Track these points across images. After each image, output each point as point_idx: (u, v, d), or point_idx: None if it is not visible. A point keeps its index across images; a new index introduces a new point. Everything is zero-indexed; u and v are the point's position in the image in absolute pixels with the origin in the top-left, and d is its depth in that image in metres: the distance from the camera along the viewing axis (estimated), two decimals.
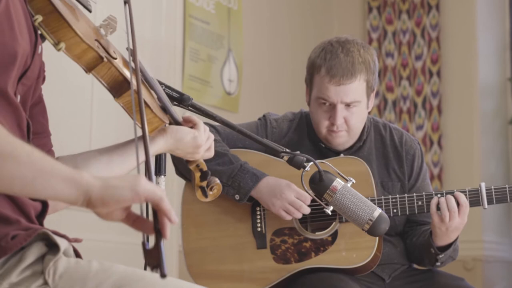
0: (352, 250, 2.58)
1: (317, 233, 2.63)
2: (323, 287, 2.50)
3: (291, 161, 2.03)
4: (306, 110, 2.81)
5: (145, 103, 1.66)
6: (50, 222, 1.58)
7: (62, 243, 1.46)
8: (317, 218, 2.64)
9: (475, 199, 2.55)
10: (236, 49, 4.97)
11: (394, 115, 5.65)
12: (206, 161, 2.71)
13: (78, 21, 1.55)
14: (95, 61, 1.58)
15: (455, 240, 2.59)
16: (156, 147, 1.79)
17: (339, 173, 2.05)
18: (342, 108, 2.60)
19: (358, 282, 2.57)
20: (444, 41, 5.59)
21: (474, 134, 5.41)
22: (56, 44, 1.52)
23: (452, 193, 2.54)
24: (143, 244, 1.34)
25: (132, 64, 1.64)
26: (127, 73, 1.65)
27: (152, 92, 1.78)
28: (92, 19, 1.69)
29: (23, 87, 1.49)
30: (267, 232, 2.66)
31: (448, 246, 2.58)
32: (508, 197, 2.54)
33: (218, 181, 1.92)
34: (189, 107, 1.93)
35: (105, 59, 1.58)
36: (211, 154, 1.91)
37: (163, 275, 1.28)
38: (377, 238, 2.55)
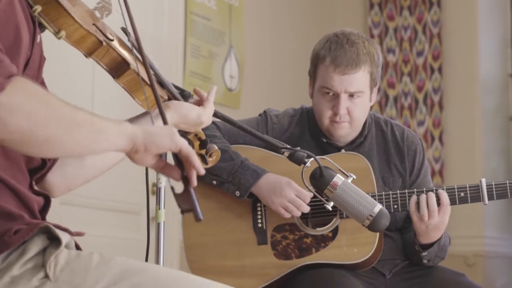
0: (353, 246, 2.58)
1: (317, 229, 2.64)
2: (324, 282, 2.50)
3: (291, 157, 2.03)
4: (307, 106, 2.82)
5: (144, 80, 1.69)
6: (51, 217, 1.58)
7: (64, 237, 1.47)
8: (317, 214, 2.64)
9: (475, 195, 2.56)
10: (237, 45, 4.97)
11: (396, 111, 5.66)
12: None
13: (74, 6, 1.56)
14: (94, 46, 1.61)
15: (439, 240, 2.59)
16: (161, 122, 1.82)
17: (339, 169, 2.05)
18: (346, 98, 2.61)
19: (359, 277, 2.57)
20: (446, 37, 5.59)
21: (475, 130, 5.42)
22: (56, 33, 1.53)
23: (452, 188, 2.55)
24: (172, 188, 1.47)
25: (130, 44, 1.68)
26: (125, 54, 1.68)
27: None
28: (84, 1, 1.69)
29: (26, 78, 1.50)
30: (268, 228, 2.66)
31: (431, 244, 2.59)
32: (509, 192, 2.54)
33: (216, 147, 1.94)
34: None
35: (104, 43, 1.61)
36: (208, 122, 1.94)
37: (198, 219, 1.43)
38: (378, 233, 2.55)
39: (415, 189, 2.59)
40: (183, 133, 1.92)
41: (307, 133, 2.74)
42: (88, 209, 3.96)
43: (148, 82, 1.68)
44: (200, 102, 1.90)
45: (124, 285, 1.43)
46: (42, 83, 1.62)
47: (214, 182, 2.63)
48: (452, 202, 2.56)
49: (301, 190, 2.56)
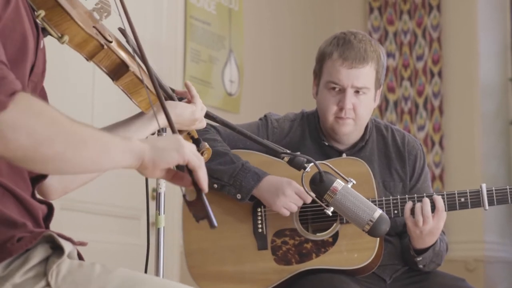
0: (353, 251, 2.58)
1: (318, 234, 2.63)
2: None
3: (291, 162, 2.03)
4: (307, 110, 2.82)
5: (141, 80, 1.69)
6: (52, 224, 1.58)
7: (67, 246, 1.47)
8: (318, 219, 2.64)
9: (476, 200, 2.55)
10: (237, 50, 4.97)
11: (396, 115, 5.65)
12: (207, 161, 2.70)
13: (74, 9, 1.57)
14: (96, 49, 1.61)
15: (434, 245, 2.59)
16: (157, 125, 1.84)
17: (339, 174, 2.05)
18: (352, 94, 2.61)
19: (359, 283, 2.57)
20: (445, 42, 5.59)
21: (475, 135, 5.41)
22: (60, 38, 1.53)
23: (453, 193, 2.54)
24: (184, 196, 1.49)
25: (128, 45, 1.69)
26: (123, 55, 1.68)
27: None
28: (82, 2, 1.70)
29: (32, 84, 1.50)
30: (268, 233, 2.66)
31: (426, 249, 2.58)
32: (509, 198, 2.54)
33: (207, 145, 1.95)
34: None
35: (105, 46, 1.61)
36: (203, 124, 1.95)
37: (212, 226, 1.46)
38: (378, 239, 2.55)
39: (415, 195, 2.58)
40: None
41: (307, 137, 2.74)
42: (88, 214, 3.96)
43: (146, 84, 1.68)
44: (190, 100, 1.91)
45: None
46: (41, 89, 1.62)
47: (215, 185, 2.63)
48: (453, 207, 2.56)
49: (302, 190, 2.56)
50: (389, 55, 5.69)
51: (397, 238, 2.71)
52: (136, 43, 1.67)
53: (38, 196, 1.57)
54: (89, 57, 1.62)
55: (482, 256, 5.27)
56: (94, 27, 1.61)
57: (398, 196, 2.59)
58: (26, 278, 1.41)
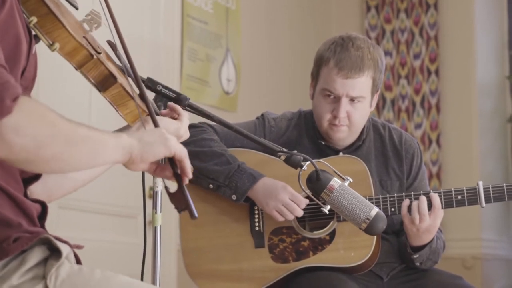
0: (350, 249, 2.58)
1: (315, 232, 2.64)
2: (321, 286, 2.50)
3: (288, 161, 2.03)
4: (305, 109, 2.82)
5: (128, 93, 1.69)
6: (48, 222, 1.58)
7: (64, 249, 1.47)
8: (315, 217, 2.64)
9: (473, 198, 2.56)
10: (234, 48, 4.97)
11: (393, 113, 5.66)
12: (204, 162, 2.72)
13: (65, 18, 1.57)
14: (85, 59, 1.61)
15: (430, 242, 2.59)
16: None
17: (336, 172, 2.05)
18: (346, 102, 2.61)
19: (356, 281, 2.57)
20: (443, 40, 5.59)
21: (472, 133, 5.42)
22: (51, 45, 1.53)
23: (449, 191, 2.55)
24: (166, 188, 1.54)
25: (118, 58, 1.71)
26: (111, 67, 1.69)
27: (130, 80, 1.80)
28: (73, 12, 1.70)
29: (21, 88, 1.50)
30: (265, 232, 2.66)
31: (423, 247, 2.59)
32: (506, 195, 2.55)
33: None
34: (186, 107, 1.93)
35: (94, 57, 1.61)
36: (186, 136, 1.94)
37: (193, 216, 1.48)
38: (375, 237, 2.55)
39: (412, 193, 2.59)
40: None
41: (305, 136, 2.74)
42: (85, 213, 3.96)
43: (132, 95, 1.68)
44: (175, 117, 1.89)
45: None
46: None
47: (211, 186, 2.63)
48: (450, 205, 2.56)
49: (296, 195, 2.56)
50: (386, 53, 5.69)
51: (394, 236, 2.71)
52: (126, 56, 1.69)
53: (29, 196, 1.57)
54: (78, 67, 1.63)
55: (480, 254, 5.27)
56: (84, 37, 1.62)
57: (395, 194, 2.59)
58: (23, 280, 1.41)
